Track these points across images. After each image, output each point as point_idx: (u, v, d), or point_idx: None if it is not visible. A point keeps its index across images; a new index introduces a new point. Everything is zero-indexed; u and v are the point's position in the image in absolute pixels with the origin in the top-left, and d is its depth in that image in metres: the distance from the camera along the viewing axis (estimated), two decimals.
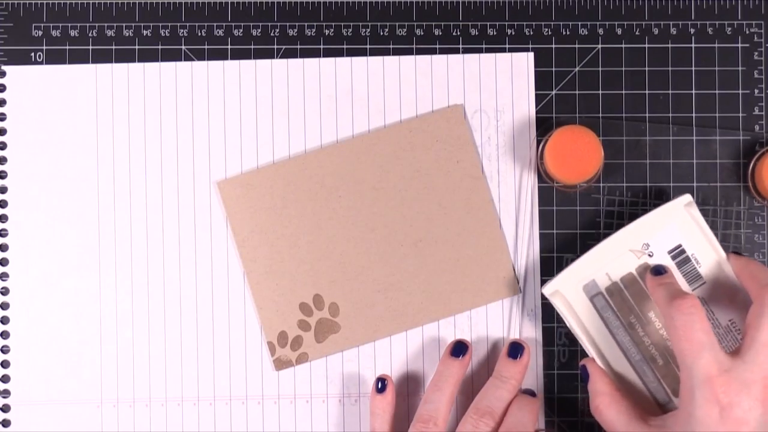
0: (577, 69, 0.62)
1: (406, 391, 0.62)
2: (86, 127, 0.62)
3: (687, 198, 0.57)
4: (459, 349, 0.60)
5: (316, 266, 0.61)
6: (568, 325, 0.58)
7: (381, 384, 0.60)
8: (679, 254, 0.57)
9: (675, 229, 0.57)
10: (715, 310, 0.57)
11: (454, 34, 0.62)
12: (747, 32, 0.62)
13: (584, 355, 0.59)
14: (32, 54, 0.62)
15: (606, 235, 0.58)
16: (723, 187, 0.61)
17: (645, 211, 0.58)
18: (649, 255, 0.57)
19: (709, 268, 0.57)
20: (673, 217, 0.57)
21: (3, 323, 0.62)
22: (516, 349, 0.59)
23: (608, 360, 0.57)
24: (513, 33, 0.62)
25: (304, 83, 0.62)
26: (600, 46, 0.62)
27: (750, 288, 0.54)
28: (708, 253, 0.57)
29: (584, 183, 0.61)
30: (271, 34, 0.63)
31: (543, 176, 0.61)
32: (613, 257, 0.57)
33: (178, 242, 0.62)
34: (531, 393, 0.60)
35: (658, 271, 0.56)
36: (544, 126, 0.62)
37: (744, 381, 0.49)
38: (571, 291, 0.58)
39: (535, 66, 0.62)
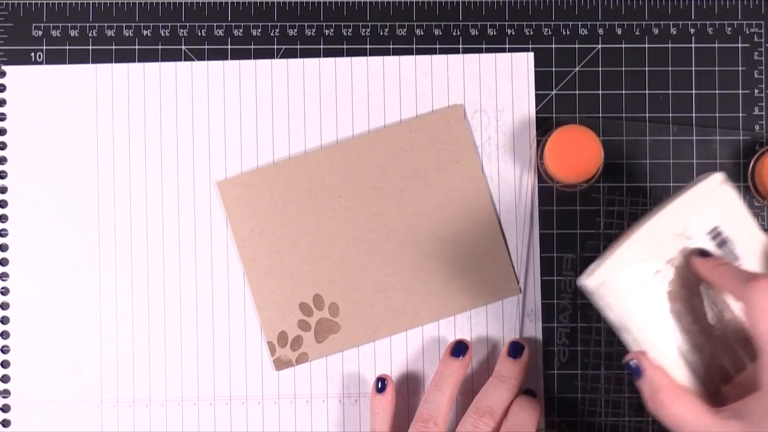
0: (577, 69, 0.62)
1: (406, 391, 0.62)
2: (86, 127, 0.62)
3: (720, 176, 0.53)
4: (459, 349, 0.60)
5: (316, 266, 0.61)
6: (612, 318, 0.52)
7: (381, 384, 0.60)
8: (716, 235, 0.53)
9: (712, 210, 0.53)
10: None
11: (454, 34, 0.62)
12: (747, 32, 0.62)
13: (585, 358, 0.58)
14: (32, 54, 0.62)
15: (606, 236, 0.57)
16: None
17: (645, 211, 0.57)
18: (689, 237, 0.53)
19: (747, 248, 0.53)
20: (710, 197, 0.53)
21: (3, 323, 0.62)
22: (516, 349, 0.59)
23: (657, 353, 0.52)
24: (513, 33, 0.62)
25: (304, 83, 0.62)
26: (600, 46, 0.62)
27: None
28: (745, 233, 0.53)
29: (584, 183, 0.61)
30: (271, 34, 0.63)
31: (543, 176, 0.61)
32: (654, 242, 0.52)
33: (178, 242, 0.62)
34: (532, 393, 0.60)
35: (705, 254, 0.52)
36: (544, 126, 0.62)
37: None
38: (615, 281, 0.52)
39: (535, 66, 0.62)
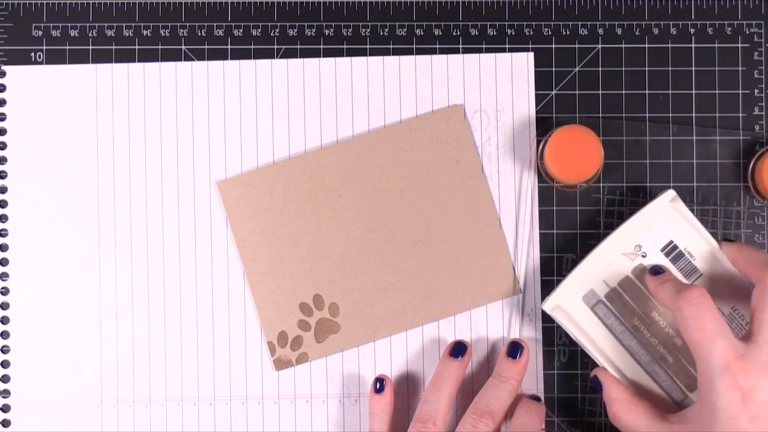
0: (577, 69, 0.62)
1: (406, 391, 0.62)
2: (86, 127, 0.62)
3: (671, 193, 0.57)
4: (458, 349, 0.60)
5: (316, 266, 0.61)
6: (573, 337, 0.58)
7: (379, 384, 0.60)
8: (672, 250, 0.57)
9: (664, 226, 0.57)
10: (716, 299, 0.56)
11: (454, 34, 0.62)
12: (747, 32, 0.62)
13: (586, 358, 0.58)
14: (32, 54, 0.62)
15: (606, 236, 0.58)
16: (723, 187, 0.61)
17: None
18: (643, 256, 0.57)
19: (704, 259, 0.57)
20: (661, 215, 0.57)
21: (3, 323, 0.62)
22: (515, 349, 0.59)
23: (619, 367, 0.57)
24: (513, 33, 0.62)
25: (304, 83, 0.62)
26: (600, 46, 0.62)
27: (749, 272, 0.54)
28: (700, 245, 0.57)
29: (584, 183, 0.61)
30: (271, 34, 0.63)
31: (543, 176, 0.61)
32: (607, 264, 0.57)
33: (178, 242, 0.62)
34: (537, 399, 0.60)
35: (657, 271, 0.56)
36: (544, 126, 0.62)
37: (761, 364, 0.49)
38: (571, 303, 0.58)
39: (535, 66, 0.62)
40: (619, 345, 0.57)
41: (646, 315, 0.57)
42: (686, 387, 0.57)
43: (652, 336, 0.57)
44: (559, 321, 0.58)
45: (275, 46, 0.62)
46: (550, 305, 0.58)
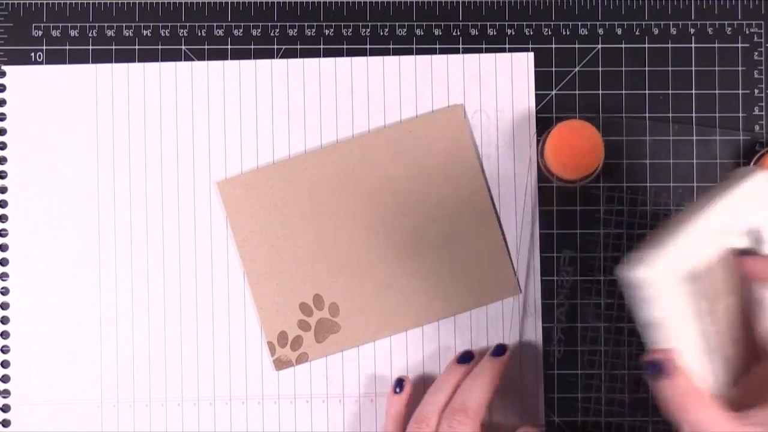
0: (577, 69, 0.62)
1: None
2: (86, 127, 0.62)
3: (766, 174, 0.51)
4: (466, 357, 0.60)
5: (316, 266, 0.61)
6: (649, 313, 0.51)
7: (399, 387, 0.60)
8: (755, 234, 0.51)
9: (756, 209, 0.51)
10: None
11: (454, 34, 0.62)
12: (747, 32, 0.62)
13: (586, 357, 0.58)
14: (32, 54, 0.62)
15: (606, 235, 0.57)
16: None
17: (644, 212, 0.57)
18: (728, 236, 0.51)
19: None
20: (755, 196, 0.51)
21: (3, 323, 0.62)
22: (499, 351, 0.59)
23: (684, 351, 0.51)
24: (513, 33, 0.62)
25: (304, 83, 0.62)
26: (600, 46, 0.62)
27: None
28: None
29: (584, 180, 0.61)
30: (271, 34, 0.63)
31: (543, 171, 0.61)
32: (701, 239, 0.51)
33: (178, 242, 0.62)
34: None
35: (749, 253, 0.51)
36: (544, 126, 0.62)
37: None
38: (660, 276, 0.50)
39: (535, 66, 0.62)
40: (686, 330, 0.51)
41: (714, 302, 0.52)
42: (733, 382, 0.52)
43: (713, 325, 0.52)
44: (645, 292, 0.50)
45: (275, 46, 0.63)
46: (645, 273, 0.50)
